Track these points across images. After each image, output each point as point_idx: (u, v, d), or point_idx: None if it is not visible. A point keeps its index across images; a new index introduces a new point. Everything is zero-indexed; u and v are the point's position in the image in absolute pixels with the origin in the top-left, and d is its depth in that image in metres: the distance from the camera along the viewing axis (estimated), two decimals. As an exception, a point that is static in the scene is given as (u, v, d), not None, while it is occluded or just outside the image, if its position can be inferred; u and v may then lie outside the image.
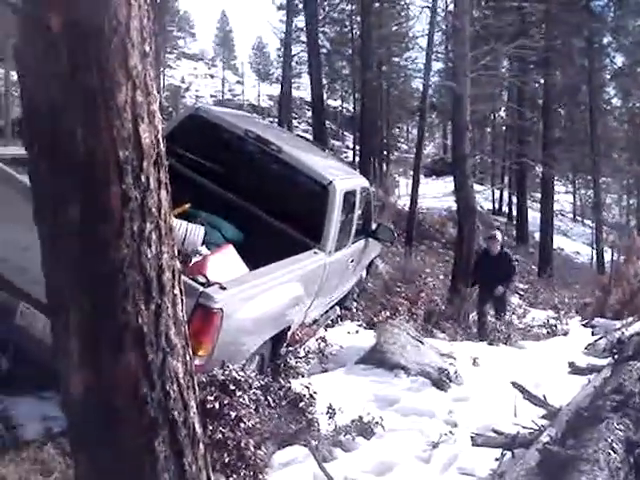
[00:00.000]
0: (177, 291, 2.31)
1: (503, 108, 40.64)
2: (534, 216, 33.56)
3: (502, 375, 7.31)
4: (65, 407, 2.36)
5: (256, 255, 6.02)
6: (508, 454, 5.11)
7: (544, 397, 6.23)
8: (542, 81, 30.38)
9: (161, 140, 2.21)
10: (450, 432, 5.85)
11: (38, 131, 2.11)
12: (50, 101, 2.03)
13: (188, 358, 2.39)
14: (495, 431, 5.63)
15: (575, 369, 8.28)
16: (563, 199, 47.28)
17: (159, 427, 2.27)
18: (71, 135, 2.03)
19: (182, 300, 2.36)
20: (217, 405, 4.37)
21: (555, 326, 12.92)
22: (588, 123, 33.45)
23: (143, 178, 2.12)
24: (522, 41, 20.33)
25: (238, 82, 55.00)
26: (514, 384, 6.44)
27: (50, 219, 2.15)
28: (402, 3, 34.97)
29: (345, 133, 49.76)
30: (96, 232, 2.10)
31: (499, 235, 11.92)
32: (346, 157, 36.57)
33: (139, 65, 2.08)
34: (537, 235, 30.92)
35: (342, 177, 7.78)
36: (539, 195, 32.95)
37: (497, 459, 5.07)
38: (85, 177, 2.06)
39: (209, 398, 4.37)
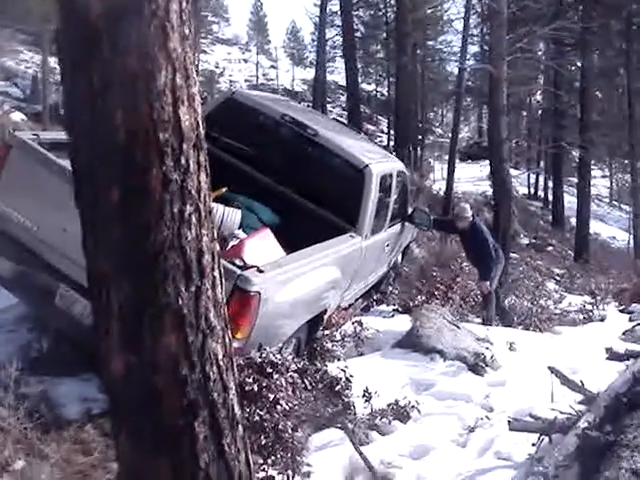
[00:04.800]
0: (217, 273, 2.31)
1: (539, 91, 40.20)
2: (570, 201, 33.24)
3: (539, 360, 7.24)
4: (106, 388, 2.39)
5: (292, 238, 6.04)
6: (545, 439, 5.08)
7: (581, 382, 6.16)
8: (579, 64, 29.93)
9: (200, 123, 2.21)
10: (486, 417, 5.84)
11: (78, 114, 2.12)
12: (90, 85, 2.03)
13: (227, 340, 2.39)
14: (532, 416, 5.59)
15: (612, 355, 8.19)
16: (600, 183, 46.78)
17: (199, 408, 2.28)
18: (111, 118, 2.04)
19: (222, 282, 2.36)
20: (255, 387, 4.40)
21: (592, 312, 12.76)
22: (626, 106, 32.95)
23: (183, 160, 2.12)
24: (559, 23, 20.12)
25: (272, 67, 54.94)
26: (551, 369, 6.38)
27: (91, 202, 2.16)
28: (437, -15, 34.75)
29: (379, 117, 49.47)
30: (137, 214, 2.11)
31: (468, 210, 10.12)
32: (380, 141, 36.38)
33: (179, 48, 2.08)
34: (573, 220, 30.60)
35: (378, 160, 7.76)
36: (575, 179, 32.58)
37: (534, 444, 5.04)
38: (125, 160, 2.07)
39: (247, 380, 4.40)
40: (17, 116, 16.69)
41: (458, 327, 7.77)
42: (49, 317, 5.45)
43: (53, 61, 17.03)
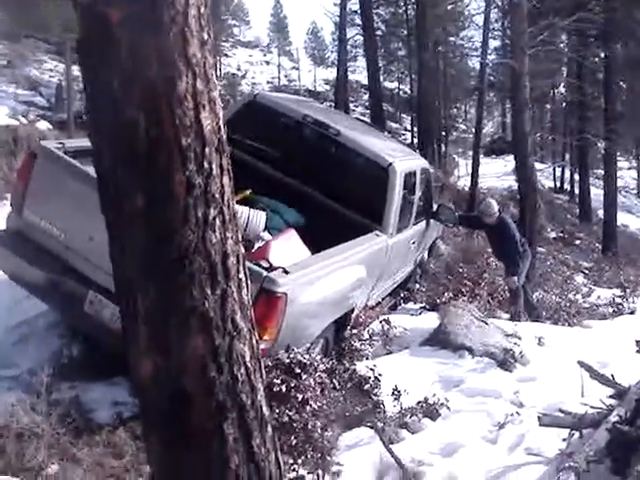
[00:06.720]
0: (242, 276, 2.32)
1: (563, 84, 39.89)
2: (597, 193, 32.90)
3: (568, 355, 7.20)
4: (136, 391, 2.41)
5: (318, 239, 6.04)
6: (576, 434, 5.05)
7: (612, 376, 6.12)
8: (602, 55, 29.65)
9: (222, 127, 2.22)
10: (516, 412, 5.81)
11: (101, 122, 2.14)
12: (112, 92, 2.05)
13: (254, 342, 2.41)
14: (562, 411, 5.56)
15: (643, 348, 8.11)
16: (626, 175, 46.28)
17: (228, 410, 2.29)
18: (133, 125, 2.05)
19: (247, 284, 2.37)
20: (284, 388, 4.42)
21: (621, 305, 12.66)
22: (652, 96, 32.64)
23: (206, 165, 2.14)
24: (581, 14, 19.92)
25: (294, 68, 54.94)
26: (581, 363, 6.34)
27: (116, 208, 2.18)
28: (457, -19, 34.70)
29: (402, 115, 49.37)
30: (161, 219, 2.12)
31: (494, 206, 10.06)
32: (404, 139, 36.27)
33: (198, 53, 2.09)
34: (601, 212, 30.31)
35: (402, 158, 7.76)
36: (602, 172, 32.26)
37: (565, 439, 5.02)
38: (149, 165, 2.08)
39: (275, 381, 4.42)
40: (43, 125, 16.84)
41: (486, 323, 7.75)
42: (79, 323, 5.50)
43: (76, 69, 17.15)
